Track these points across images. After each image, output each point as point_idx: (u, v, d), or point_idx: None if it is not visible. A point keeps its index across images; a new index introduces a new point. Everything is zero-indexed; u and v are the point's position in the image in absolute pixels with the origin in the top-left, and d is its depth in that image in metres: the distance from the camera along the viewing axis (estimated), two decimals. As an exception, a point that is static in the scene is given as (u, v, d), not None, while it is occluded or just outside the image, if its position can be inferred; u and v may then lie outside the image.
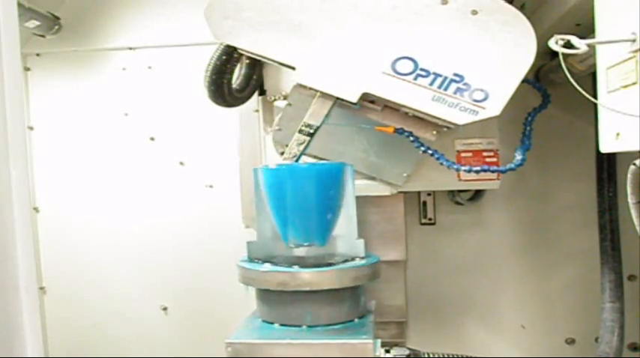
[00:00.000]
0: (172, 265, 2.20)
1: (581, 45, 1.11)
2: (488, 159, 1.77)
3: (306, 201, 1.44)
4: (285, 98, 1.91)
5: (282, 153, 1.85)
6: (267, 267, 1.42)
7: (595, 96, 1.26)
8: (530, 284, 2.12)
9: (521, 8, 1.43)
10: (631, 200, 1.22)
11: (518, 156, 1.47)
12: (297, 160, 1.52)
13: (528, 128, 1.51)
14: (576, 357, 2.02)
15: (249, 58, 1.81)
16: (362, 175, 1.83)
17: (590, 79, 1.37)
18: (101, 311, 2.08)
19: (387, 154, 1.78)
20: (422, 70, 1.37)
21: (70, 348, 2.06)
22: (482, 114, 1.38)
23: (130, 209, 2.22)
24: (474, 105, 1.38)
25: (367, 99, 1.55)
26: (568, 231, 2.11)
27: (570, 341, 2.06)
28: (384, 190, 1.83)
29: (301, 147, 1.51)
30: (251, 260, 1.50)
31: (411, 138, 1.55)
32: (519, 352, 2.09)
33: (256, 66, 1.93)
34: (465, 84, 1.36)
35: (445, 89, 1.39)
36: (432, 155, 1.54)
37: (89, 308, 2.07)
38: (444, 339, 2.14)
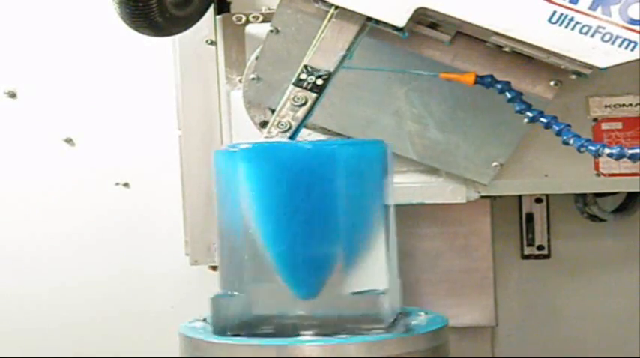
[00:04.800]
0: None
1: None
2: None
3: (303, 210, 1.44)
4: (266, 19, 1.93)
5: (263, 124, 1.85)
6: (234, 339, 1.45)
7: None
8: None
9: None
10: None
11: None
12: (292, 136, 1.49)
13: None
14: None
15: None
16: (412, 165, 1.83)
17: None
18: None
19: (462, 126, 1.76)
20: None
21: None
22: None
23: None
24: (629, 30, 1.37)
25: (424, 21, 1.51)
26: None
27: None
28: (454, 194, 1.84)
29: (300, 113, 1.48)
30: (214, 329, 1.51)
31: (508, 95, 1.50)
32: None
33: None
34: (611, -9, 1.35)
35: (575, 1, 1.38)
36: (547, 126, 1.49)
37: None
38: None
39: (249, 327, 1.51)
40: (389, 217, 1.54)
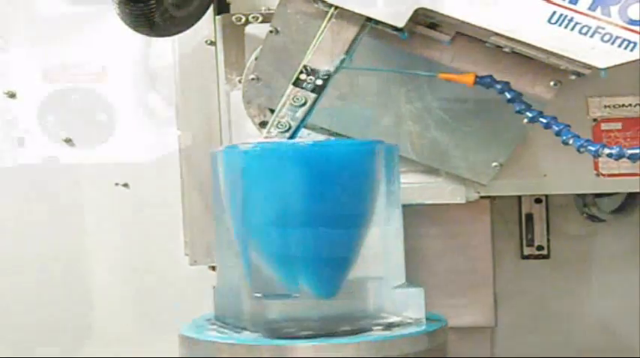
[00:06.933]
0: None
1: None
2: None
3: (302, 210, 1.44)
4: (266, 19, 1.92)
5: (263, 124, 1.84)
6: (213, 335, 1.47)
7: None
8: None
9: None
10: None
11: None
12: (291, 136, 1.49)
13: None
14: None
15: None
16: (412, 165, 1.81)
17: None
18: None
19: (462, 126, 1.76)
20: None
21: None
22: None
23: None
24: (628, 30, 1.37)
25: (424, 21, 1.51)
26: None
27: None
28: (454, 194, 1.84)
29: (300, 113, 1.49)
30: (219, 321, 1.53)
31: (508, 95, 1.50)
32: None
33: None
34: (610, -8, 1.35)
35: (574, 2, 1.39)
36: (546, 127, 1.49)
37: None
38: None
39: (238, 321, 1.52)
40: (393, 219, 1.54)
